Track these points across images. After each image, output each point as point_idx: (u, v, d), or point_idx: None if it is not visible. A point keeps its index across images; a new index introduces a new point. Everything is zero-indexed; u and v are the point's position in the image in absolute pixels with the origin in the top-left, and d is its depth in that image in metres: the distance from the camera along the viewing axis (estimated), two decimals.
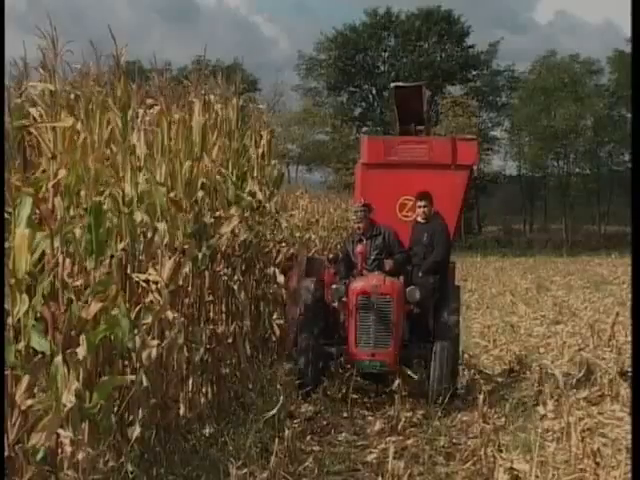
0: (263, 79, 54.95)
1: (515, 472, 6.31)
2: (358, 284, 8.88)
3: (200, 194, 7.29)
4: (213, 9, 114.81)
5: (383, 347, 8.71)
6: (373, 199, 9.44)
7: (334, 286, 9.01)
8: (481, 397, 8.01)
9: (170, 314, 6.27)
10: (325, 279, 9.50)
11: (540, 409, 8.46)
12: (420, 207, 9.43)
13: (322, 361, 9.01)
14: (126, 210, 5.72)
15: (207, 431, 6.95)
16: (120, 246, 5.68)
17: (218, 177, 7.93)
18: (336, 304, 9.01)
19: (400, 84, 11.35)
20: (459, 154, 9.81)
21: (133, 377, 5.55)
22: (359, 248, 9.15)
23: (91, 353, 5.02)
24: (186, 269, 6.85)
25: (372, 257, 9.24)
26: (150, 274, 6.06)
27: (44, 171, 4.92)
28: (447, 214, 9.57)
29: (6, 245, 4.45)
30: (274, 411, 7.26)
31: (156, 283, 6.09)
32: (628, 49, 45.71)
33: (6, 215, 4.53)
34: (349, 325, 8.81)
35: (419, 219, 9.45)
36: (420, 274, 9.26)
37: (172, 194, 6.65)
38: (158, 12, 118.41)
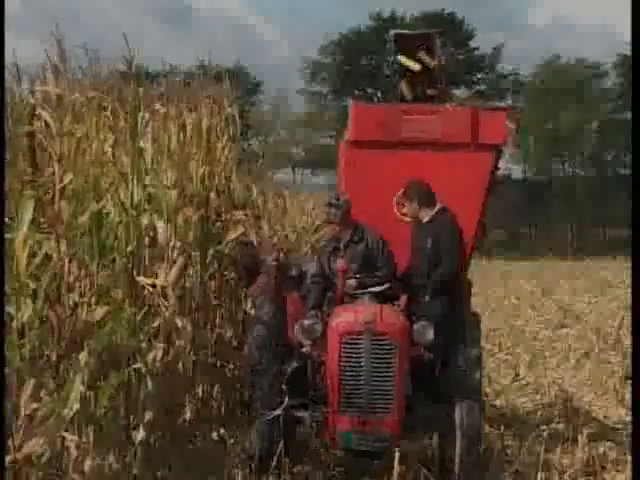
0: (262, 82, 55.01)
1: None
2: (342, 319, 6.06)
3: (207, 197, 7.31)
4: (209, 11, 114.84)
5: (380, 413, 5.92)
6: (362, 191, 6.96)
7: (305, 322, 6.16)
8: None
9: (177, 317, 6.28)
10: (288, 308, 6.66)
11: None
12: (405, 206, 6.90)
13: (287, 430, 6.17)
14: (133, 213, 5.73)
15: (213, 434, 6.95)
16: (126, 249, 5.69)
17: (225, 180, 7.95)
18: (307, 348, 6.19)
19: (402, 31, 8.46)
20: (482, 129, 7.12)
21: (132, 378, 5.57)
22: (340, 263, 6.39)
23: (95, 357, 5.03)
24: (192, 273, 6.85)
25: (352, 273, 6.48)
26: (156, 278, 6.06)
27: (53, 174, 4.93)
28: (464, 211, 6.88)
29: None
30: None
31: (163, 287, 6.10)
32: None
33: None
34: (328, 379, 6.00)
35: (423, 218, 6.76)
36: (425, 298, 6.54)
37: (180, 197, 6.66)
38: (154, 15, 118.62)
